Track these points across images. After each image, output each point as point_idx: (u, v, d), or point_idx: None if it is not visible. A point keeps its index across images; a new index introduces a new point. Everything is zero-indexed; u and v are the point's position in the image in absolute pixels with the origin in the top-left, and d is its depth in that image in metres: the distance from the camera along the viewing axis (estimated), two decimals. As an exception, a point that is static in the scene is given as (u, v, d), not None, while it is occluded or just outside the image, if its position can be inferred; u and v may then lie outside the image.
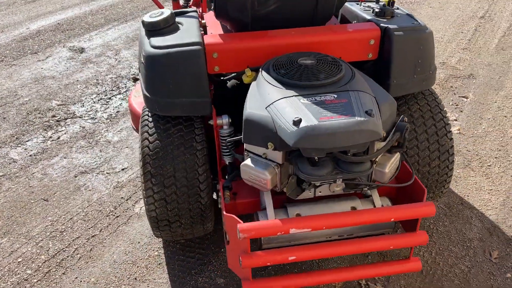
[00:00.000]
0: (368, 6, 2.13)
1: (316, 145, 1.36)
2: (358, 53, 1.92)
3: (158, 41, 1.76)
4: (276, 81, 1.60)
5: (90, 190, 2.58)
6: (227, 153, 1.84)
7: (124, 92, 3.69)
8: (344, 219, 1.48)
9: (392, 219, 1.51)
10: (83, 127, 3.20)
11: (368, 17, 1.99)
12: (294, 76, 1.60)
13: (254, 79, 1.75)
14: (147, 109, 1.91)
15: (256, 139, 1.50)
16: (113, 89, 3.75)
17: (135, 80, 3.81)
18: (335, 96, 1.49)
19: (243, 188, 1.79)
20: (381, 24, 1.89)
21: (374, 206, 1.64)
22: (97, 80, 3.89)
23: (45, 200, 2.52)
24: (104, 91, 3.70)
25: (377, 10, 1.99)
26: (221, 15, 1.96)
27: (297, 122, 1.36)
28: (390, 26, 1.85)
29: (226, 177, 1.87)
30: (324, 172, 1.43)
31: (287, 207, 1.64)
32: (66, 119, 3.32)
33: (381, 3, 2.04)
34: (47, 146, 3.00)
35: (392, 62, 1.85)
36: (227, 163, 1.87)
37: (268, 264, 1.51)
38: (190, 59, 1.71)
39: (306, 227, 1.45)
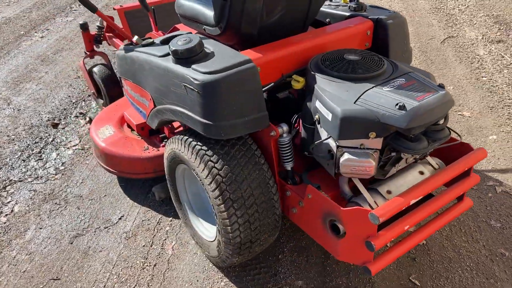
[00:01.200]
0: (338, 5, 2.40)
1: (422, 122, 1.56)
2: (359, 44, 2.17)
3: (206, 66, 1.72)
4: (342, 79, 1.74)
5: (101, 251, 2.29)
6: (289, 159, 1.90)
7: (53, 141, 3.25)
8: (439, 179, 1.72)
9: (466, 168, 1.81)
10: (35, 190, 2.75)
11: (347, 14, 2.27)
12: (357, 71, 1.76)
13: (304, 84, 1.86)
14: (194, 141, 1.84)
15: (355, 133, 1.63)
16: (36, 141, 3.26)
17: (90, 120, 3.37)
18: (403, 79, 1.72)
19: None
20: (370, 17, 2.18)
21: (434, 166, 1.93)
22: (8, 136, 3.32)
23: (56, 279, 2.15)
24: (27, 146, 3.20)
25: (354, 6, 2.27)
26: (232, 31, 1.99)
27: (402, 107, 1.54)
28: (381, 17, 2.15)
29: (289, 182, 1.93)
30: (425, 145, 1.64)
31: (376, 188, 1.80)
32: (4, 187, 2.79)
33: (353, 2, 2.33)
34: (5, 224, 2.51)
35: (389, 46, 2.15)
36: (289, 169, 1.93)
37: (392, 239, 1.66)
38: (249, 77, 1.72)
39: (419, 195, 1.65)
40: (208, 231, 2.14)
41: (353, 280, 2.08)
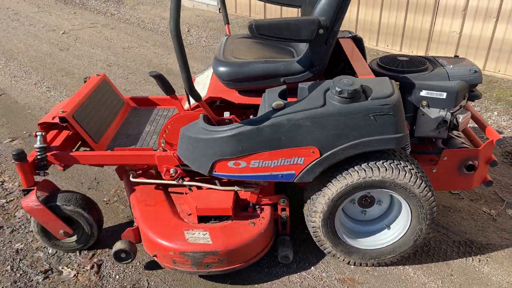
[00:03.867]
0: None
1: (480, 77, 2.50)
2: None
3: (378, 94, 2.04)
4: (423, 71, 2.44)
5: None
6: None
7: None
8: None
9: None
10: None
11: None
12: (428, 66, 2.48)
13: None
14: (389, 160, 2.14)
15: (459, 99, 2.38)
16: None
17: None
18: (444, 61, 2.57)
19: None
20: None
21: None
22: None
23: None
24: None
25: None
26: (322, 69, 2.29)
27: (475, 71, 2.42)
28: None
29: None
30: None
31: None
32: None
33: None
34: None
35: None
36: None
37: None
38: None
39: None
40: (381, 239, 2.37)
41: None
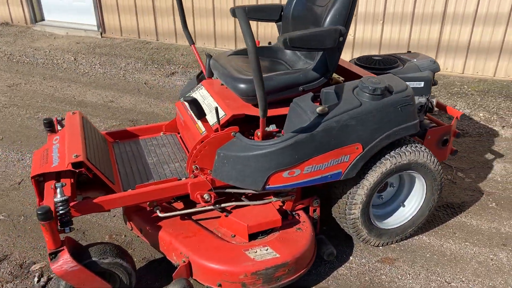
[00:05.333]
0: None
1: (435, 66, 3.01)
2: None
3: (396, 88, 2.35)
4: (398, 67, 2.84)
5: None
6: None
7: None
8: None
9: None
10: None
11: None
12: (399, 61, 2.88)
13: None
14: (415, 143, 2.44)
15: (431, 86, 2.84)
16: None
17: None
18: (405, 56, 3.02)
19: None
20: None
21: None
22: None
23: None
24: None
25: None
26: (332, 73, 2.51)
27: (434, 61, 2.91)
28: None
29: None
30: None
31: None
32: None
33: None
34: None
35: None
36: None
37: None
38: None
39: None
40: (401, 216, 2.67)
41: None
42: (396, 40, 5.33)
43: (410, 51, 3.20)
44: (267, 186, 2.20)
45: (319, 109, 2.19)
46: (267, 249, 2.23)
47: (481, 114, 4.45)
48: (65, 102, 4.87)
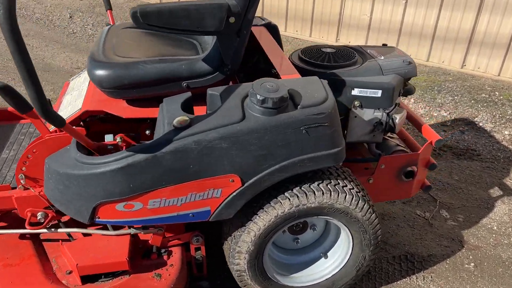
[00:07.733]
0: None
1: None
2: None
3: (309, 101, 1.59)
4: (349, 66, 2.05)
5: None
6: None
7: None
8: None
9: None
10: None
11: None
12: (358, 58, 2.09)
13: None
14: (327, 180, 1.70)
15: (395, 96, 2.03)
16: None
17: None
18: (373, 51, 2.21)
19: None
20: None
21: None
22: None
23: None
24: None
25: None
26: (236, 67, 1.81)
27: (409, 62, 2.09)
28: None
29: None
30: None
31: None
32: None
33: None
34: None
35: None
36: None
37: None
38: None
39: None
40: (318, 271, 1.96)
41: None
42: (419, 27, 4.35)
43: (385, 44, 2.36)
44: (96, 219, 1.58)
45: (176, 120, 1.50)
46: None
47: (506, 132, 3.49)
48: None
